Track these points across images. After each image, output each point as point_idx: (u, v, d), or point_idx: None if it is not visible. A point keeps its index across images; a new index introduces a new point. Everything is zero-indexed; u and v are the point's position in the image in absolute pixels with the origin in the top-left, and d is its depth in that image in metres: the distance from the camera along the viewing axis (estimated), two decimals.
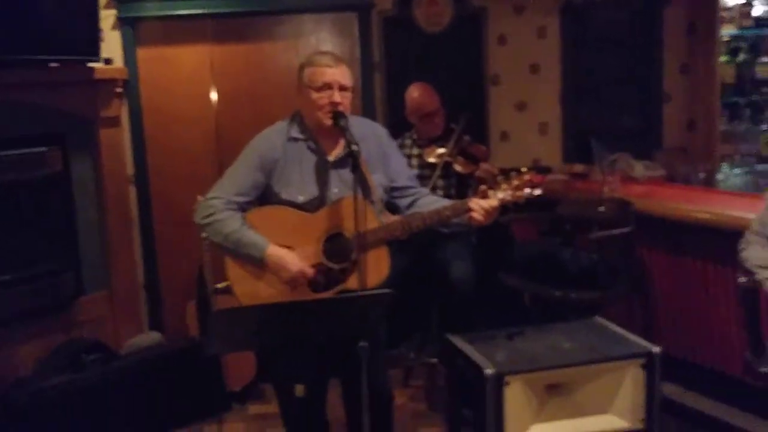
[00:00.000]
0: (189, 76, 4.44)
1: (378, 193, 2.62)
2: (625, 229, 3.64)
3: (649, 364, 2.67)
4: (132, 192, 4.37)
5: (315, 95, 2.58)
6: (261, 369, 4.01)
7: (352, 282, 2.54)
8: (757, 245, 2.84)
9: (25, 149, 3.77)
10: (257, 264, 2.56)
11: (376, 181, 2.62)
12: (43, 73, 3.75)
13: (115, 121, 4.19)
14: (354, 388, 2.53)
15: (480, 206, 2.53)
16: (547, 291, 3.57)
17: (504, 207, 2.60)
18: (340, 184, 2.63)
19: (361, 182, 2.41)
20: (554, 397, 2.67)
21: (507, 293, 3.86)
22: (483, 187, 2.60)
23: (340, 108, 2.57)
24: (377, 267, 2.54)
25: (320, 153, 2.65)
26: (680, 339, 3.77)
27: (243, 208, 2.62)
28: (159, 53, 4.38)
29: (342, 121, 2.55)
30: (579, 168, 4.61)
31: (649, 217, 3.71)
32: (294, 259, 2.54)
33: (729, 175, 4.93)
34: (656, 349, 2.69)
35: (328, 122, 2.58)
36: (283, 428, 2.87)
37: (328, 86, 2.57)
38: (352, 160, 2.39)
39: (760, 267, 2.78)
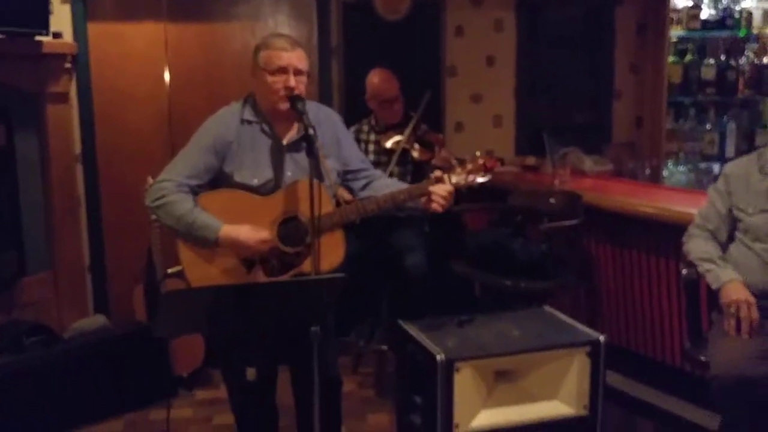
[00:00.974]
0: (142, 54, 4.34)
1: (332, 178, 2.61)
2: (574, 221, 3.71)
3: (595, 352, 2.72)
4: (79, 171, 4.25)
5: (270, 79, 2.55)
6: (209, 354, 3.97)
7: (307, 266, 2.52)
8: (699, 239, 2.93)
9: None
10: (211, 246, 2.52)
11: (330, 165, 2.61)
12: None
13: (63, 98, 4.07)
14: (304, 374, 2.53)
15: (435, 192, 2.54)
16: (497, 280, 3.62)
17: (458, 192, 2.62)
18: (294, 167, 2.61)
19: (316, 166, 2.38)
20: (503, 383, 2.71)
21: (457, 281, 3.89)
22: (438, 172, 2.61)
23: (296, 92, 2.54)
24: (332, 251, 2.54)
25: (274, 136, 2.63)
26: (623, 329, 3.87)
27: (195, 191, 2.57)
28: (111, 29, 4.28)
29: (299, 105, 2.52)
30: (531, 161, 4.68)
31: (597, 210, 3.79)
32: (249, 232, 2.50)
33: (674, 171, 5.07)
34: (602, 338, 2.75)
35: (284, 106, 2.55)
36: (232, 414, 2.85)
37: (283, 70, 2.54)
38: (307, 143, 2.37)
39: (702, 259, 2.87)
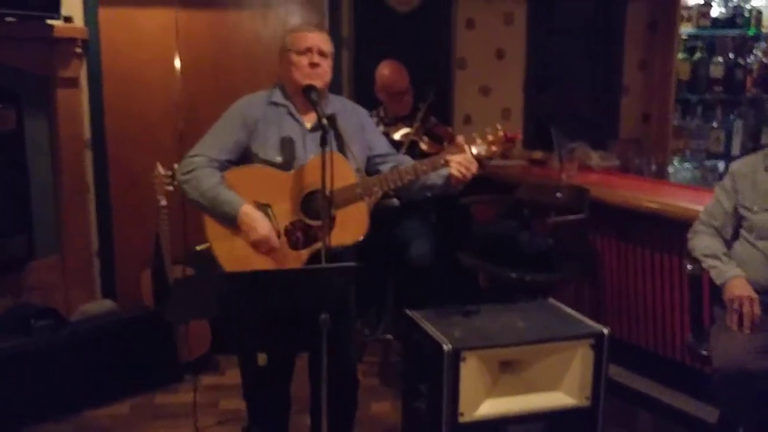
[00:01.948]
0: (152, 40, 4.35)
1: (358, 160, 2.64)
2: (580, 216, 3.73)
3: (598, 344, 2.75)
4: (88, 156, 4.26)
5: (295, 58, 2.63)
6: (216, 340, 4.00)
7: (331, 238, 2.51)
8: (705, 235, 2.96)
9: None
10: (231, 223, 2.56)
11: (356, 151, 2.65)
12: None
13: (73, 82, 4.08)
14: (319, 364, 2.55)
15: (456, 161, 2.54)
16: (503, 272, 3.64)
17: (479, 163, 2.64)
18: (317, 149, 2.62)
19: (340, 146, 2.46)
20: (507, 373, 2.74)
21: (463, 272, 3.92)
22: (459, 138, 2.62)
23: (319, 71, 2.62)
24: (356, 223, 2.56)
25: (299, 118, 2.69)
26: (626, 322, 3.89)
27: (224, 167, 2.63)
28: (122, 14, 4.29)
29: (313, 95, 2.57)
30: (538, 155, 4.70)
31: (603, 204, 3.81)
32: (265, 223, 2.55)
33: (679, 168, 5.07)
34: (605, 331, 2.78)
35: (307, 81, 2.61)
36: (237, 399, 2.87)
37: (308, 50, 2.63)
38: (322, 131, 2.40)
39: (706, 255, 2.90)
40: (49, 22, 3.81)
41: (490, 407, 2.68)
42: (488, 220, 4.17)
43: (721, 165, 5.06)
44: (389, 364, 4.00)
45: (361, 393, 3.02)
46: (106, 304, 4.10)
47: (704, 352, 2.86)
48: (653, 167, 4.70)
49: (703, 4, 5.26)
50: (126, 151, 4.38)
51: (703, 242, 2.94)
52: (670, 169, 5.00)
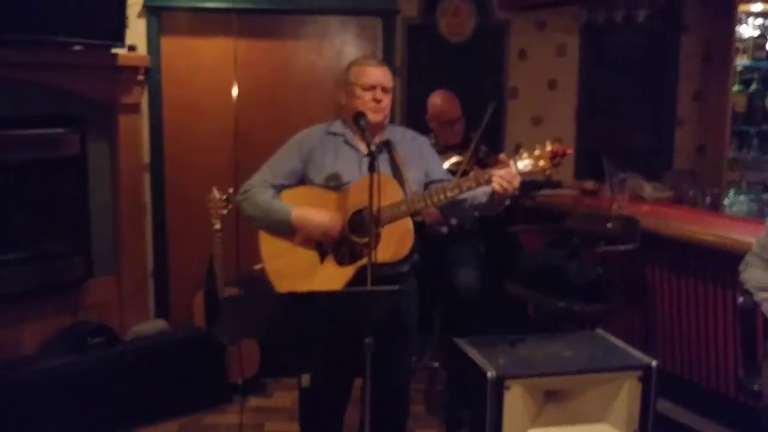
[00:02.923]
0: (211, 69, 4.49)
1: (412, 188, 2.68)
2: (631, 246, 3.69)
3: (646, 377, 2.71)
4: (146, 180, 4.41)
5: (360, 92, 2.73)
6: (264, 363, 4.05)
7: (377, 255, 2.52)
8: (757, 267, 2.89)
9: (44, 129, 3.82)
10: (286, 230, 2.65)
11: (412, 176, 2.72)
12: (66, 56, 3.79)
13: (134, 108, 4.23)
14: (373, 389, 2.56)
15: (499, 175, 2.53)
16: (551, 301, 3.62)
17: (515, 212, 2.63)
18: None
19: (394, 169, 2.55)
20: (552, 403, 2.71)
21: (511, 301, 3.90)
22: (503, 155, 2.62)
23: (382, 105, 2.73)
24: (399, 241, 2.59)
25: (356, 147, 2.78)
26: (676, 355, 3.81)
27: (278, 190, 2.75)
28: (183, 44, 4.44)
29: (361, 122, 2.63)
30: (589, 185, 4.66)
31: (655, 235, 3.76)
32: (318, 213, 2.64)
33: (735, 201, 4.98)
34: (654, 363, 2.73)
35: (374, 116, 2.70)
36: (283, 422, 2.89)
37: (373, 87, 2.73)
38: (370, 156, 2.43)
39: (758, 288, 2.82)
40: (114, 50, 3.97)
41: None
42: (537, 250, 4.15)
43: None
44: (434, 391, 3.99)
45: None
46: (158, 324, 4.19)
47: (756, 388, 2.79)
48: (708, 199, 4.62)
49: (758, 36, 5.19)
50: (183, 176, 4.50)
51: (755, 275, 2.87)
52: (725, 202, 4.91)
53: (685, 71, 5.16)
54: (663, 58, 5.16)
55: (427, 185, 2.80)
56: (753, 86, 5.22)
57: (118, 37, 3.91)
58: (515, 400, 2.62)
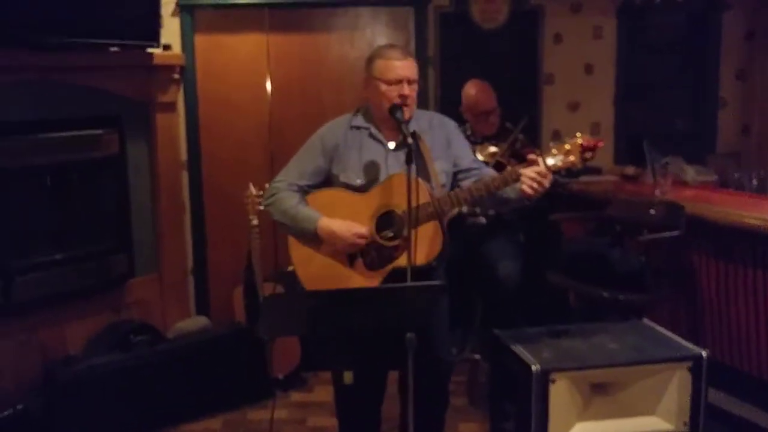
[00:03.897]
0: (245, 64, 4.50)
1: (439, 180, 2.64)
2: (675, 233, 3.60)
3: (697, 367, 2.64)
4: (184, 178, 4.44)
5: (385, 87, 2.64)
6: (305, 357, 4.06)
7: (404, 259, 2.52)
8: None
9: (83, 131, 3.85)
10: (313, 239, 2.63)
11: (439, 167, 2.65)
12: (103, 57, 3.83)
13: (171, 107, 4.26)
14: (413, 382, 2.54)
15: (528, 176, 2.46)
16: (594, 291, 3.55)
17: (555, 200, 2.56)
18: (399, 168, 2.64)
19: (421, 168, 2.45)
20: (599, 396, 2.66)
21: (552, 292, 3.84)
22: (531, 156, 2.53)
23: (409, 101, 2.63)
24: (430, 242, 2.54)
25: (381, 140, 2.71)
26: (725, 344, 3.71)
27: (305, 191, 2.72)
28: (216, 41, 4.45)
29: (398, 114, 2.58)
30: (630, 170, 4.56)
31: (700, 221, 3.66)
32: (344, 225, 2.59)
33: None
34: (704, 353, 2.66)
35: (406, 114, 2.63)
36: (325, 417, 2.89)
37: (398, 80, 2.62)
38: (408, 149, 2.41)
39: None
40: (150, 50, 3.99)
41: (581, 431, 2.61)
42: (578, 238, 4.08)
43: None
44: (477, 384, 3.95)
45: (449, 413, 3.00)
46: (200, 321, 4.23)
47: None
48: (754, 182, 4.48)
49: None
50: (220, 172, 4.52)
51: None
52: None
53: (726, 50, 5.02)
54: (703, 38, 5.03)
55: (455, 174, 2.74)
56: None
57: (153, 37, 3.95)
58: (561, 394, 2.56)
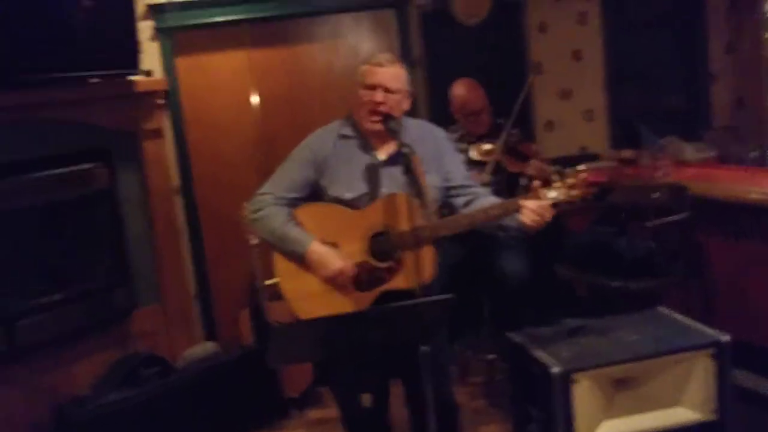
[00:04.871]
0: (229, 82, 4.44)
1: (431, 194, 2.56)
2: (682, 215, 3.55)
3: (719, 353, 2.60)
4: (178, 203, 4.37)
5: (362, 92, 2.59)
6: (318, 374, 4.00)
7: (397, 281, 2.50)
8: None
9: (71, 167, 3.77)
10: (301, 260, 2.54)
11: (430, 181, 2.55)
12: (84, 90, 3.76)
13: (158, 133, 4.17)
14: (415, 393, 2.49)
15: (529, 208, 2.41)
16: (604, 281, 3.50)
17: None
18: (389, 183, 2.59)
19: (414, 183, 2.35)
20: (623, 391, 2.61)
21: (558, 285, 3.80)
22: (536, 183, 2.49)
23: (381, 108, 2.54)
24: (422, 266, 2.46)
25: (370, 152, 2.63)
26: (744, 323, 3.66)
27: (293, 204, 2.62)
28: (198, 61, 4.39)
29: (392, 124, 2.52)
30: (628, 153, 4.52)
31: (705, 200, 3.62)
32: (335, 257, 2.50)
33: None
34: (725, 338, 2.62)
35: (367, 125, 2.57)
36: None
37: (373, 86, 2.56)
38: (404, 161, 2.35)
39: None
40: (131, 78, 3.92)
41: (609, 429, 2.56)
42: (583, 229, 4.03)
43: None
44: (494, 384, 3.91)
45: (468, 415, 2.96)
46: (208, 347, 4.16)
47: None
48: (752, 154, 4.45)
49: None
50: (214, 194, 4.46)
51: None
52: None
53: (713, 23, 4.97)
54: (689, 13, 4.98)
55: (446, 191, 2.67)
56: None
57: (133, 64, 3.86)
58: (584, 394, 2.52)
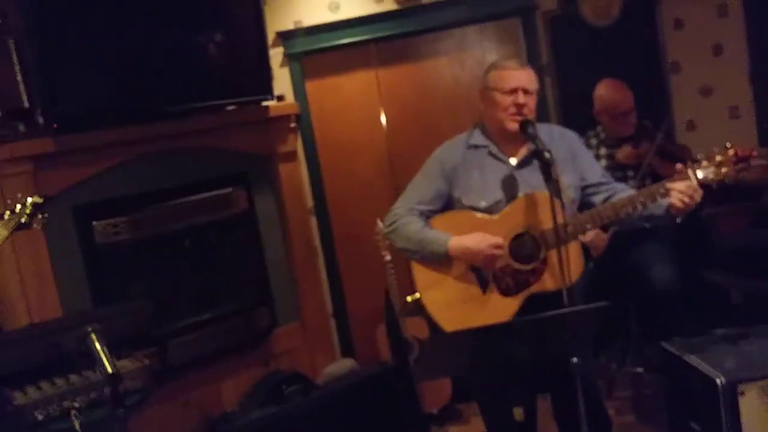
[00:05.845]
0: (357, 102, 4.50)
1: (569, 194, 2.50)
2: None
3: None
4: (313, 223, 4.46)
5: (500, 98, 2.56)
6: (457, 389, 3.95)
7: (544, 283, 2.45)
8: None
9: (213, 191, 3.95)
10: (443, 261, 2.53)
11: (567, 181, 2.50)
12: (222, 117, 3.94)
13: (292, 156, 4.30)
14: (566, 407, 2.40)
15: (678, 189, 2.33)
16: (763, 285, 3.26)
17: (708, 188, 2.38)
18: (525, 187, 2.56)
19: (553, 183, 2.30)
20: None
21: (708, 291, 3.58)
22: (680, 165, 2.38)
23: (525, 110, 2.53)
24: (571, 264, 2.37)
25: (502, 158, 2.61)
26: None
27: (427, 216, 2.64)
28: (327, 84, 4.47)
29: (530, 129, 2.49)
30: None
31: None
32: (478, 237, 2.47)
33: None
34: None
35: (512, 125, 2.55)
36: None
37: (514, 90, 2.54)
38: (543, 165, 2.30)
39: None
40: (265, 103, 4.06)
41: None
42: (737, 232, 3.79)
43: None
44: (642, 398, 3.72)
45: (618, 431, 2.84)
46: (347, 364, 4.21)
47: None
48: None
49: None
50: (347, 213, 4.52)
51: None
52: None
53: None
54: None
55: (583, 189, 2.60)
56: None
57: (267, 90, 4.01)
58: (753, 407, 2.35)
